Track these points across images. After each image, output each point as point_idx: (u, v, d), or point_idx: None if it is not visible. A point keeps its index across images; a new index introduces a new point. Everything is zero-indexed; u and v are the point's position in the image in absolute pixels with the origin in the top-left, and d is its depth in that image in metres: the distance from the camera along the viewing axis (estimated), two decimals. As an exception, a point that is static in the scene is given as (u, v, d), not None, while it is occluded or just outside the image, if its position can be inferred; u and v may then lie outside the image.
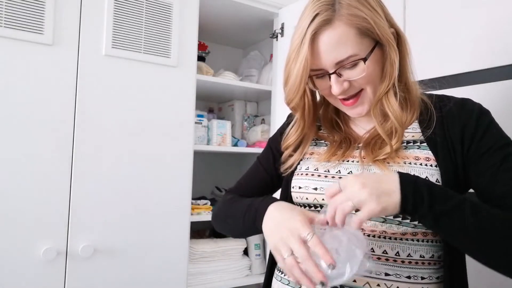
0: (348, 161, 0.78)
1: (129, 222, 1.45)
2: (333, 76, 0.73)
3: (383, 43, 0.72)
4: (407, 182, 0.62)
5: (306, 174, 0.80)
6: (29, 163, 1.28)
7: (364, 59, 0.71)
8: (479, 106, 0.75)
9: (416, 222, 0.69)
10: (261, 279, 1.85)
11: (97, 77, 1.41)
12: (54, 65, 1.33)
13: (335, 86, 0.73)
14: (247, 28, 2.09)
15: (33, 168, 1.29)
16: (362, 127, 0.84)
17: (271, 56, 2.01)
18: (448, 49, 1.33)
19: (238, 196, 0.90)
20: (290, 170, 0.85)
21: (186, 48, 1.60)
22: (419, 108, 0.78)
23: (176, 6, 1.57)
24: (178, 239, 1.56)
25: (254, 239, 1.90)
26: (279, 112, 1.84)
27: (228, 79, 1.87)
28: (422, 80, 1.34)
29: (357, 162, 0.77)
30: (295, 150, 0.85)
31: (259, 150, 1.93)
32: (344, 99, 0.77)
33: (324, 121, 0.87)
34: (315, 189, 0.77)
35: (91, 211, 1.38)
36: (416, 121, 0.77)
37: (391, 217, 0.70)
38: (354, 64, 0.72)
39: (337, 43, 0.70)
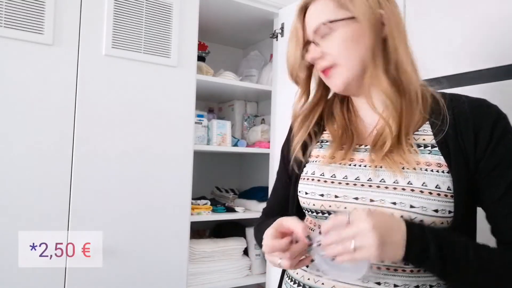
0: (355, 165, 0.76)
1: (129, 222, 1.45)
2: (311, 45, 0.76)
3: (357, 19, 0.72)
4: (412, 236, 0.61)
5: (312, 180, 0.78)
6: (29, 163, 1.28)
7: (330, 22, 0.73)
8: (496, 109, 0.70)
9: None
10: (261, 279, 1.85)
11: (97, 77, 1.41)
12: (54, 65, 1.33)
13: (308, 53, 0.77)
14: (247, 28, 2.09)
15: (33, 168, 1.29)
16: (368, 123, 0.80)
17: (271, 56, 2.01)
18: (448, 48, 1.33)
19: (265, 218, 0.91)
20: (296, 173, 0.84)
21: (186, 48, 1.60)
22: (417, 102, 0.72)
23: (176, 6, 1.57)
24: (178, 239, 1.56)
25: (254, 239, 1.90)
26: (279, 112, 1.84)
27: (228, 79, 1.87)
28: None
29: (365, 166, 0.74)
30: (302, 149, 0.84)
31: (259, 150, 1.94)
32: (323, 71, 0.77)
33: (330, 115, 0.86)
34: (322, 195, 0.75)
35: (91, 211, 1.38)
36: (427, 122, 0.73)
37: None
38: (326, 34, 0.74)
39: (317, 13, 0.75)
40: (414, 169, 0.68)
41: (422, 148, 0.71)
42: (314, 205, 0.77)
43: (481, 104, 0.71)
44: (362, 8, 0.71)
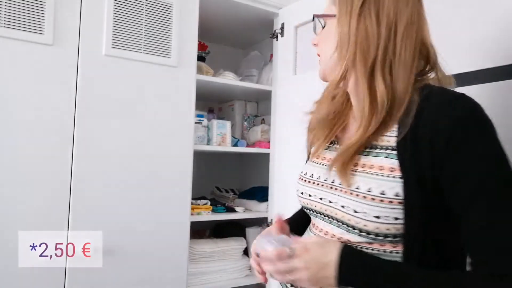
0: (321, 164, 0.79)
1: (129, 222, 1.45)
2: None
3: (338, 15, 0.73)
4: (344, 268, 0.62)
5: (300, 179, 0.84)
6: (29, 163, 1.28)
7: (316, 16, 0.79)
8: (462, 109, 0.61)
9: (374, 236, 0.66)
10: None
11: (97, 77, 1.41)
12: (54, 65, 1.33)
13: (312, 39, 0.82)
14: (247, 28, 2.09)
15: (33, 168, 1.29)
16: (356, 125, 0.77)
17: (271, 56, 2.01)
18: (449, 48, 1.33)
19: (291, 218, 0.98)
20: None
21: (186, 48, 1.60)
22: (397, 109, 0.67)
23: (176, 6, 1.57)
24: (178, 239, 1.56)
25: (254, 239, 1.90)
26: (279, 112, 1.84)
27: (228, 79, 1.87)
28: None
29: (325, 166, 0.78)
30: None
31: (259, 150, 1.94)
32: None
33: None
34: (310, 195, 0.79)
35: (91, 211, 1.38)
36: (397, 123, 0.67)
37: (352, 228, 0.68)
38: (322, 25, 0.79)
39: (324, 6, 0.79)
40: (367, 172, 0.67)
41: (382, 150, 0.67)
42: (306, 203, 0.81)
43: (446, 102, 0.63)
44: (347, 6, 0.71)
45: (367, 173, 0.67)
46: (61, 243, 1.32)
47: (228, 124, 1.88)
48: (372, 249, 0.67)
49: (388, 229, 0.64)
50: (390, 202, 0.63)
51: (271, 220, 1.79)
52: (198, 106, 1.75)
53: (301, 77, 1.72)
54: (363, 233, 0.66)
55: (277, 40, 1.88)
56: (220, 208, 1.86)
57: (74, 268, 1.34)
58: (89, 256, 1.36)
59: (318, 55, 0.80)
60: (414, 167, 0.62)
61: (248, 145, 1.98)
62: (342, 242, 0.68)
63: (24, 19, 1.28)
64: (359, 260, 0.64)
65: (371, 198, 0.64)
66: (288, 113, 1.77)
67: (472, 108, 0.62)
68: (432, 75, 0.73)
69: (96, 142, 1.40)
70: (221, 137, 1.84)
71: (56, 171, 1.32)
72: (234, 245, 1.82)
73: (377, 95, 0.67)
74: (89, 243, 1.36)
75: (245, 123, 2.14)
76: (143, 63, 1.50)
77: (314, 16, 0.79)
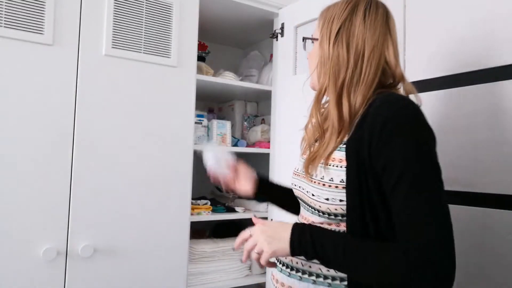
0: (303, 158, 0.93)
1: (129, 222, 1.45)
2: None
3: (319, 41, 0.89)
4: (296, 232, 0.79)
5: (293, 173, 0.98)
6: (28, 163, 1.28)
7: (304, 38, 0.98)
8: (392, 110, 0.75)
9: (327, 215, 0.82)
10: (261, 279, 1.85)
11: (97, 77, 1.41)
12: (54, 65, 1.33)
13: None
14: (247, 28, 2.09)
15: (33, 168, 1.29)
16: None
17: (271, 56, 2.01)
18: (448, 48, 1.33)
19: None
20: None
21: (186, 48, 1.60)
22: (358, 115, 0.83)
23: (176, 6, 1.57)
24: (178, 239, 1.56)
25: (254, 239, 1.90)
26: (279, 112, 1.84)
27: (228, 79, 1.87)
28: (425, 80, 1.33)
29: (303, 159, 0.92)
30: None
31: (259, 150, 1.94)
32: None
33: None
34: (295, 185, 0.95)
35: (91, 211, 1.38)
36: (355, 123, 0.83)
37: (313, 209, 0.85)
38: (308, 44, 0.97)
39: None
40: (324, 163, 0.83)
41: (340, 145, 0.83)
42: (295, 193, 0.96)
43: (384, 104, 0.76)
44: (326, 34, 0.87)
45: (323, 163, 0.83)
46: (61, 243, 1.32)
47: (228, 124, 1.88)
48: (331, 229, 0.82)
49: (336, 209, 0.80)
50: (336, 187, 0.79)
51: (271, 220, 1.79)
52: (198, 106, 1.75)
53: (301, 77, 1.72)
54: (320, 213, 0.83)
55: (277, 40, 1.88)
56: (220, 208, 1.86)
57: (74, 268, 1.34)
58: (89, 256, 1.36)
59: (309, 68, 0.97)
60: (355, 159, 0.77)
61: (248, 145, 1.98)
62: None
63: (24, 19, 1.28)
64: (308, 226, 0.80)
65: (322, 184, 0.82)
66: (288, 113, 1.77)
67: (403, 108, 0.75)
68: (400, 86, 0.88)
69: (96, 142, 1.40)
70: (221, 137, 1.84)
71: (56, 171, 1.32)
72: (234, 245, 1.82)
73: (343, 111, 0.82)
74: (89, 243, 1.36)
75: (245, 123, 2.14)
76: (143, 63, 1.50)
77: (303, 38, 0.99)
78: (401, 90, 0.88)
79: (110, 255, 1.41)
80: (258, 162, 2.18)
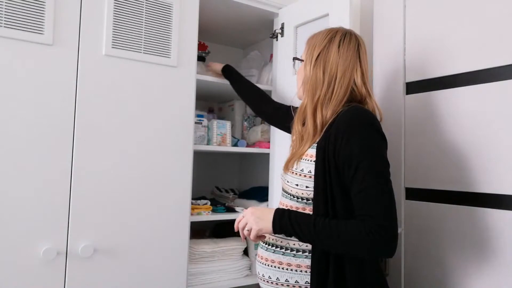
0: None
1: (129, 222, 1.45)
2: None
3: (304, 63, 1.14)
4: (277, 214, 1.01)
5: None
6: (28, 163, 1.28)
7: (295, 58, 1.23)
8: (353, 116, 0.99)
9: (296, 198, 1.08)
10: (261, 279, 1.85)
11: (97, 77, 1.41)
12: (54, 65, 1.33)
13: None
14: (247, 28, 2.09)
15: (33, 168, 1.29)
16: None
17: (271, 56, 2.01)
18: (448, 48, 1.33)
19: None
20: None
21: (186, 48, 1.60)
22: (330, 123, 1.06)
23: (176, 6, 1.57)
24: (178, 239, 1.56)
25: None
26: (279, 112, 1.84)
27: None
28: (425, 80, 1.34)
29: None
30: None
31: (259, 150, 1.94)
32: None
33: None
34: (281, 176, 1.19)
35: (91, 211, 1.38)
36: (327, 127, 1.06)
37: (289, 195, 1.10)
38: (297, 63, 1.22)
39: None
40: (300, 158, 1.06)
41: (314, 144, 1.05)
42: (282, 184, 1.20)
43: (346, 113, 1.01)
44: (306, 58, 1.13)
45: (300, 157, 1.07)
46: (61, 243, 1.32)
47: (228, 124, 1.88)
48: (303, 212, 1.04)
49: (302, 194, 1.06)
50: (305, 176, 1.05)
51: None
52: (198, 106, 1.75)
53: (301, 77, 1.72)
54: (291, 197, 1.08)
55: (277, 40, 1.88)
56: (220, 208, 1.86)
57: (74, 268, 1.34)
58: (89, 256, 1.36)
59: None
60: (322, 154, 1.00)
61: (248, 145, 1.98)
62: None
63: (24, 19, 1.28)
64: (288, 210, 1.02)
65: (295, 173, 1.07)
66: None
67: (359, 115, 0.99)
68: (366, 102, 1.10)
69: (95, 142, 1.40)
70: (221, 137, 1.84)
71: (55, 171, 1.32)
72: (234, 245, 1.82)
73: (316, 122, 1.06)
74: (89, 243, 1.36)
75: (245, 123, 2.14)
76: (143, 63, 1.50)
77: (293, 58, 1.24)
78: (369, 105, 1.09)
79: (110, 255, 1.41)
80: (258, 162, 2.18)
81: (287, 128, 1.34)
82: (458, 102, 1.28)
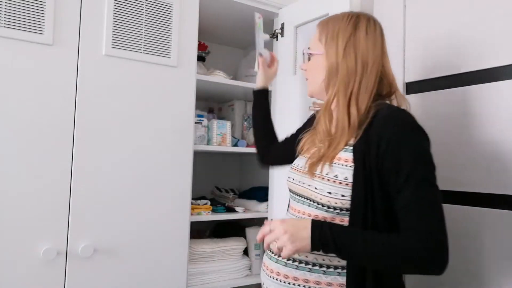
0: (305, 156, 1.03)
1: (129, 222, 1.45)
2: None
3: (324, 55, 0.99)
4: (316, 230, 0.85)
5: (292, 168, 1.07)
6: (28, 163, 1.28)
7: (309, 54, 1.05)
8: (399, 122, 0.88)
9: (326, 208, 0.92)
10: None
11: (97, 77, 1.41)
12: (54, 65, 1.33)
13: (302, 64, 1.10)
14: (247, 28, 2.09)
15: (33, 168, 1.29)
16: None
17: (271, 56, 2.01)
18: (447, 48, 1.33)
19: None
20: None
21: (186, 48, 1.60)
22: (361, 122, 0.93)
23: (176, 6, 1.57)
24: (178, 239, 1.56)
25: (254, 239, 1.90)
26: (279, 112, 1.84)
27: (229, 79, 1.86)
28: (425, 80, 1.34)
29: (305, 157, 1.02)
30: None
31: (259, 150, 1.93)
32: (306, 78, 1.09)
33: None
34: (293, 179, 1.04)
35: (91, 211, 1.38)
36: (361, 128, 0.94)
37: (315, 203, 0.94)
38: (309, 56, 1.05)
39: (310, 38, 1.06)
40: (332, 161, 0.93)
41: (347, 147, 0.93)
42: (289, 186, 1.07)
43: (389, 116, 0.89)
44: (333, 47, 0.97)
45: (330, 162, 0.93)
46: (61, 243, 1.32)
47: (228, 124, 1.88)
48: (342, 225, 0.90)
49: (336, 203, 0.90)
50: (340, 183, 0.90)
51: (271, 219, 1.80)
52: (198, 106, 1.75)
53: (301, 77, 1.72)
54: (319, 206, 0.93)
55: (277, 40, 1.88)
56: (220, 208, 1.86)
57: (74, 268, 1.34)
58: (89, 256, 1.36)
59: (307, 79, 1.07)
60: (362, 159, 0.88)
61: (248, 145, 1.98)
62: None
63: (24, 19, 1.28)
64: (326, 223, 0.87)
65: (327, 179, 0.91)
66: (288, 113, 1.77)
67: (406, 121, 0.89)
68: (393, 97, 1.00)
69: (95, 142, 1.40)
70: (221, 137, 1.84)
71: (55, 171, 1.32)
72: (234, 245, 1.82)
73: (351, 118, 0.93)
74: (89, 243, 1.36)
75: (245, 123, 2.14)
76: (143, 63, 1.50)
77: (303, 52, 1.07)
78: (394, 101, 1.00)
79: (110, 255, 1.41)
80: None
81: (290, 160, 1.14)
82: (458, 102, 1.28)
